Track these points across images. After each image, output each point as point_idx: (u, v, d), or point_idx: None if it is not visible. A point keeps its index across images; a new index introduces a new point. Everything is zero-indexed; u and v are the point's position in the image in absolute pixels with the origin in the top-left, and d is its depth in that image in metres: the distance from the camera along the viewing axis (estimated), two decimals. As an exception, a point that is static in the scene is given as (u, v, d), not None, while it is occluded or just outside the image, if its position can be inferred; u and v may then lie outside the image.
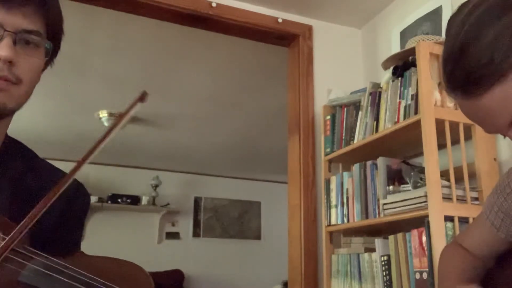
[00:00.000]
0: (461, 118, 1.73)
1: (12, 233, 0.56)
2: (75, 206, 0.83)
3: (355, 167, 2.09)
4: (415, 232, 1.68)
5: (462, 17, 0.71)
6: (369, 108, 2.04)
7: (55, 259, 0.63)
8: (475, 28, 0.68)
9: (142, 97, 0.57)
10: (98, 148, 0.59)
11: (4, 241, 0.57)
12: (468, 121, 1.72)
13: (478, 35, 0.67)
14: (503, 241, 0.97)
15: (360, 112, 2.10)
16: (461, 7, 0.73)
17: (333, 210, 2.17)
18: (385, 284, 1.81)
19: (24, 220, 0.57)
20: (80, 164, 0.59)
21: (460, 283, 0.97)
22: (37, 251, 0.62)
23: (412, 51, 1.80)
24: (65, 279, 0.61)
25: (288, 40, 2.63)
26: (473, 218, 1.15)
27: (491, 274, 1.01)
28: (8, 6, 0.69)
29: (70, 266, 0.63)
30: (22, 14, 0.71)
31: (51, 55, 0.79)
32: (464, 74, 0.69)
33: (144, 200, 5.90)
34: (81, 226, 0.87)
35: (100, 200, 5.59)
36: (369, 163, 2.02)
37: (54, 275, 0.61)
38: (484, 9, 0.68)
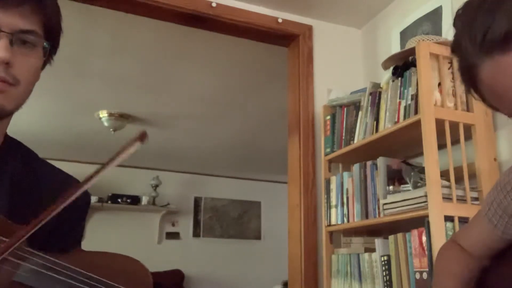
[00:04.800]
0: (461, 118, 1.73)
1: (11, 239, 0.56)
2: (75, 204, 0.83)
3: (355, 167, 2.09)
4: (415, 232, 1.68)
5: None
6: (369, 108, 2.04)
7: (51, 258, 0.62)
8: None
9: (142, 137, 0.55)
10: (96, 177, 0.57)
11: (4, 244, 0.56)
12: (468, 121, 1.74)
13: None
14: (499, 239, 0.97)
15: (360, 112, 2.10)
16: None
17: (333, 210, 2.17)
18: (385, 284, 1.81)
19: (26, 226, 0.57)
20: (78, 187, 0.58)
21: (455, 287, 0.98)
22: (33, 251, 0.62)
23: (412, 51, 1.80)
24: (61, 278, 0.61)
25: (288, 40, 2.63)
26: (473, 218, 1.16)
27: (487, 274, 1.01)
28: (4, 6, 0.69)
29: (66, 265, 0.62)
30: (19, 14, 0.70)
31: (50, 53, 0.79)
32: (507, 23, 0.65)
33: (144, 200, 5.90)
34: (82, 224, 0.87)
35: (100, 200, 5.58)
36: (369, 163, 2.02)
37: (50, 274, 0.61)
38: None
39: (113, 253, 0.70)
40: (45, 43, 0.75)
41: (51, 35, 0.77)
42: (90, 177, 0.54)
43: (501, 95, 0.71)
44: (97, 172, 0.55)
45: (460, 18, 0.74)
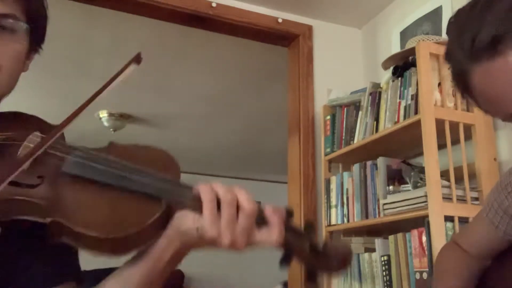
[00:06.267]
0: (461, 118, 1.73)
1: (51, 133, 0.62)
2: None
3: (355, 167, 2.09)
4: (415, 232, 1.68)
5: None
6: (369, 108, 2.04)
7: (92, 151, 0.69)
8: None
9: (137, 59, 0.59)
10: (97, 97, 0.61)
11: (43, 139, 0.62)
12: (468, 121, 1.74)
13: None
14: (500, 240, 0.98)
15: (360, 112, 2.10)
16: None
17: (333, 210, 2.17)
18: (385, 284, 1.81)
19: (61, 123, 0.63)
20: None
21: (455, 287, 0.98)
22: (74, 145, 0.68)
23: (412, 51, 1.80)
24: (105, 167, 0.65)
25: (288, 40, 2.63)
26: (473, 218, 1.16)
27: (489, 273, 1.01)
28: None
29: (107, 156, 0.68)
30: None
31: (36, 40, 0.76)
32: (494, 28, 0.66)
33: (144, 200, 5.89)
34: None
35: (100, 200, 5.57)
36: (369, 163, 2.02)
37: (94, 164, 0.66)
38: None
39: (143, 145, 0.75)
40: (25, 26, 0.72)
41: (34, 19, 0.74)
42: (94, 96, 0.59)
43: (492, 100, 0.72)
44: (98, 92, 0.59)
45: (452, 26, 0.75)
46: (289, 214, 0.64)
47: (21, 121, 0.71)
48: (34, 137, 0.65)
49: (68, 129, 0.69)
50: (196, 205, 0.61)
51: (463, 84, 0.75)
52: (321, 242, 0.65)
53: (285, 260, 0.65)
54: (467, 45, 0.70)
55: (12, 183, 0.59)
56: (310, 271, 0.66)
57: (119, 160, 0.67)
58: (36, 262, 0.70)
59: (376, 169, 1.97)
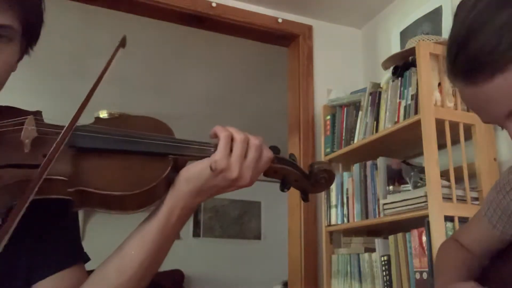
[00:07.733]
0: (461, 118, 1.73)
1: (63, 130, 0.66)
2: (64, 220, 0.80)
3: (355, 167, 2.09)
4: (415, 232, 1.68)
5: (472, 1, 0.69)
6: (369, 108, 2.04)
7: (86, 126, 0.73)
8: (484, 14, 0.66)
9: (123, 42, 0.62)
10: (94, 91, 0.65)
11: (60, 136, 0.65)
12: (468, 121, 1.74)
13: (487, 21, 0.65)
14: (498, 239, 0.98)
15: (360, 112, 2.10)
16: None
17: (333, 210, 2.17)
18: (385, 284, 1.81)
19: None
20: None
21: (456, 280, 0.98)
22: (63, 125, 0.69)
23: (412, 51, 1.80)
24: (108, 135, 0.70)
25: (288, 40, 2.63)
26: (473, 218, 1.17)
27: (487, 272, 1.01)
28: None
29: (104, 127, 0.73)
30: None
31: (30, 44, 0.77)
32: (468, 59, 0.67)
33: (144, 200, 5.89)
34: (75, 233, 0.81)
35: (100, 200, 5.58)
36: (369, 163, 2.02)
37: (97, 134, 0.70)
38: None
39: (133, 115, 0.80)
40: (21, 34, 0.73)
41: (29, 26, 0.75)
42: (92, 91, 0.63)
43: (474, 110, 0.74)
44: (95, 85, 0.64)
45: (454, 20, 0.75)
46: (277, 149, 0.76)
47: (10, 111, 0.73)
48: (32, 120, 0.68)
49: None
50: (203, 151, 0.68)
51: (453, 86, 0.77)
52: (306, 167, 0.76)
53: (284, 186, 0.75)
54: (450, 61, 0.72)
55: (18, 166, 0.62)
56: (303, 192, 0.76)
57: (116, 128, 0.72)
58: (46, 245, 0.72)
59: (376, 169, 1.97)
